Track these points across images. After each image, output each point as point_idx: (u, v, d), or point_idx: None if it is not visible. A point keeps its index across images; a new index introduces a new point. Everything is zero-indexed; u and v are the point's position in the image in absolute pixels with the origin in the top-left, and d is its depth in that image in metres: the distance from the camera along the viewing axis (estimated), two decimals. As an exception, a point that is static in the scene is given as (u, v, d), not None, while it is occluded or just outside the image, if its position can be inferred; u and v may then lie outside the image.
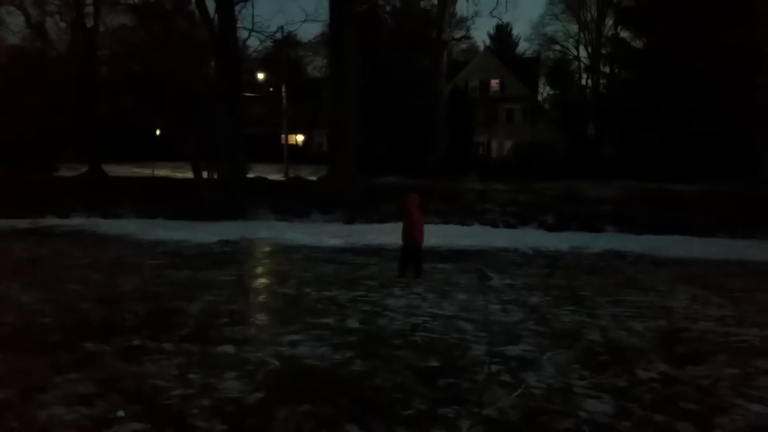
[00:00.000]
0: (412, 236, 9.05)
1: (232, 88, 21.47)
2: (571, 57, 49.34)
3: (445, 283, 8.94)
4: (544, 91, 54.93)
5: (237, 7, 22.97)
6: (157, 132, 36.33)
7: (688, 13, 28.89)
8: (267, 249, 12.74)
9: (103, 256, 11.20)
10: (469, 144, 38.95)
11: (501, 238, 14.05)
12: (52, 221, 16.50)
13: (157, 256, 11.27)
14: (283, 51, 39.30)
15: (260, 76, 39.04)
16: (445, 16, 34.63)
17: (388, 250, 11.40)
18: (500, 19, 65.25)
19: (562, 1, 47.69)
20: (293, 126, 41.41)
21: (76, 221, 16.57)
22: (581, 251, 12.45)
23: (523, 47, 60.44)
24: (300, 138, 51.49)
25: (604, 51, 44.20)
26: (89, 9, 29.44)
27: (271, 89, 41.04)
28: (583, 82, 48.78)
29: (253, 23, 35.73)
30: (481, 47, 56.78)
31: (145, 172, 29.70)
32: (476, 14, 72.41)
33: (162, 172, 29.93)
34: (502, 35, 60.80)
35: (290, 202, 18.17)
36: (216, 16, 22.05)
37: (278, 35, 30.12)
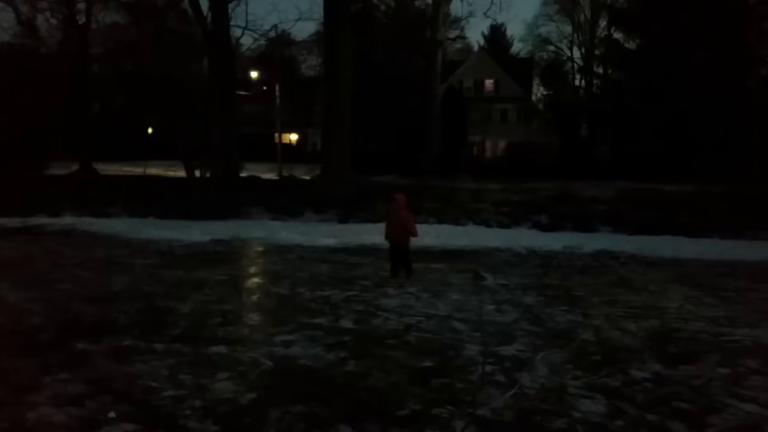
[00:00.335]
0: (396, 236, 9.06)
1: (226, 86, 21.40)
2: (564, 57, 49.48)
3: (439, 283, 8.93)
4: (538, 91, 55.07)
5: (230, 5, 22.91)
6: (149, 130, 36.15)
7: (681, 15, 29.05)
8: (260, 248, 12.69)
9: (93, 255, 11.11)
10: (464, 144, 39.00)
11: (495, 238, 14.08)
12: (42, 220, 16.37)
13: (149, 255, 11.19)
14: (277, 49, 39.19)
15: (254, 74, 38.85)
16: (440, 15, 34.64)
17: (382, 250, 11.31)
18: (494, 20, 65.30)
19: (556, 2, 47.85)
20: (287, 125, 41.29)
21: (67, 220, 16.46)
22: (574, 251, 12.48)
23: (518, 47, 60.55)
24: (294, 137, 51.37)
25: (597, 52, 44.40)
26: (81, 6, 29.26)
27: (264, 88, 40.88)
28: (577, 82, 48.92)
29: (246, 21, 35.49)
30: (476, 47, 56.82)
31: (137, 170, 29.50)
32: (470, 14, 72.23)
33: (154, 170, 29.75)
34: (497, 35, 60.85)
35: (284, 201, 18.12)
36: (209, 13, 21.97)
37: (272, 33, 30.02)
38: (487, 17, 56.06)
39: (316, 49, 42.03)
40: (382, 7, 41.58)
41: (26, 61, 28.95)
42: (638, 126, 32.20)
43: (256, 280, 9.62)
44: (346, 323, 6.69)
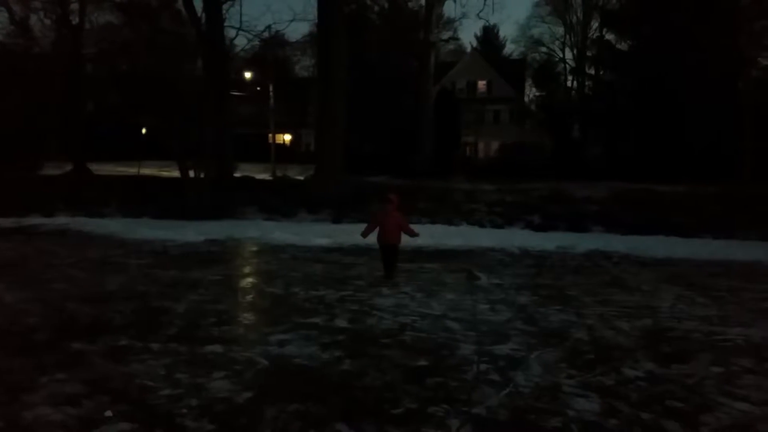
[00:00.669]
0: (389, 236, 9.08)
1: (220, 87, 21.38)
2: (556, 59, 49.73)
3: (433, 283, 8.96)
4: (531, 92, 55.33)
5: (224, 6, 22.90)
6: (143, 131, 36.03)
7: (673, 16, 29.24)
8: (254, 248, 12.68)
9: (88, 255, 11.08)
10: (457, 144, 39.11)
11: (488, 238, 14.12)
12: (36, 220, 16.30)
13: (143, 255, 11.17)
14: (271, 50, 39.15)
15: (247, 75, 38.86)
16: (433, 17, 34.75)
17: (376, 250, 11.36)
18: (487, 21, 65.67)
19: (548, 4, 48.07)
20: (280, 125, 41.28)
21: (61, 220, 16.39)
22: (567, 251, 12.54)
23: (510, 49, 60.83)
24: (287, 137, 51.34)
25: (589, 53, 44.63)
26: (74, 6, 29.16)
27: (258, 88, 40.85)
28: (569, 83, 49.18)
29: (240, 22, 35.68)
30: (469, 48, 57.03)
31: (131, 170, 29.45)
32: (464, 15, 72.84)
33: (148, 170, 29.71)
34: (489, 37, 61.09)
35: (277, 201, 18.12)
36: (203, 14, 21.95)
37: (266, 34, 30.04)
38: (480, 18, 56.38)
39: (310, 49, 42.09)
40: (376, 9, 41.68)
41: (19, 61, 28.83)
42: (630, 127, 32.40)
43: (250, 279, 9.62)
44: (341, 323, 6.71)
